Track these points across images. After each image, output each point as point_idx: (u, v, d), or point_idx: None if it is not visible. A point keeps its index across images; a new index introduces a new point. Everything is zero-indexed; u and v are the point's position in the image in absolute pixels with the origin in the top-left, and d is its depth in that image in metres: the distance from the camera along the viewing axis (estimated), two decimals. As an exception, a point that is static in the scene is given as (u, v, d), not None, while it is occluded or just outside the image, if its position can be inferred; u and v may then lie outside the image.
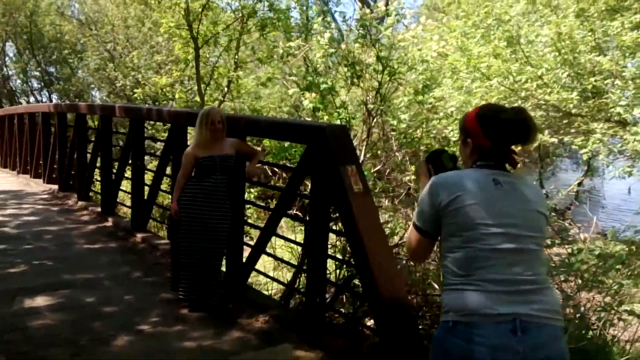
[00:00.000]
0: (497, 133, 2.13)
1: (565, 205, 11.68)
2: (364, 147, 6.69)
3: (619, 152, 9.08)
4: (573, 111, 9.22)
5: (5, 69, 22.71)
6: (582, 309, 4.54)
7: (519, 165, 2.27)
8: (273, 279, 5.03)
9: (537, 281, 2.04)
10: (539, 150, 11.80)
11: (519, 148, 2.41)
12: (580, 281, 4.60)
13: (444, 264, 2.13)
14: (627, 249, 4.64)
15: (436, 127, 8.83)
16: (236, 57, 10.09)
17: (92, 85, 19.95)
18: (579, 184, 12.59)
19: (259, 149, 6.39)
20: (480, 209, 2.04)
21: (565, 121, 9.76)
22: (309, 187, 4.46)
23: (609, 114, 8.59)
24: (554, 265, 4.71)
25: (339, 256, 4.89)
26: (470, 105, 9.33)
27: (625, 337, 4.68)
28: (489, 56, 9.26)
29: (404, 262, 5.52)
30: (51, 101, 20.21)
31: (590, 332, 4.30)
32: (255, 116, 7.70)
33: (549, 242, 4.82)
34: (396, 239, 5.85)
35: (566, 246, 4.87)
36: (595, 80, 8.70)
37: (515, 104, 9.11)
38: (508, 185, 2.11)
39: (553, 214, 8.93)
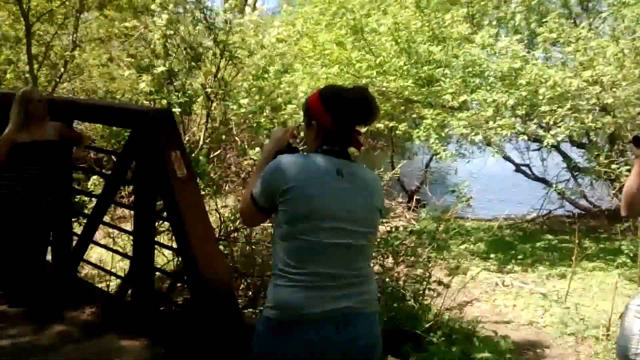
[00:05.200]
0: (340, 112, 2.13)
1: (415, 186, 12.53)
2: (202, 132, 6.70)
3: (449, 137, 9.83)
4: (411, 97, 9.82)
5: None
6: (400, 282, 4.97)
7: (363, 148, 2.34)
8: (104, 269, 4.91)
9: (360, 275, 2.14)
10: (391, 134, 12.43)
11: (364, 130, 2.45)
12: (398, 257, 5.02)
13: (275, 249, 2.15)
14: (435, 224, 5.13)
15: (288, 112, 9.03)
16: (74, 35, 9.53)
17: None
18: (426, 167, 13.47)
19: (87, 134, 6.16)
20: (318, 202, 2.05)
21: (404, 107, 10.37)
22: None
23: (441, 101, 9.26)
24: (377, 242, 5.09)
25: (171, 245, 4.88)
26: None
27: (438, 302, 5.21)
28: (332, 43, 9.60)
29: (244, 245, 5.63)
30: None
31: (404, 303, 4.72)
32: (76, 98, 7.37)
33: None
34: (237, 223, 5.92)
35: (386, 224, 5.28)
36: (429, 69, 9.36)
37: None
38: (349, 177, 2.12)
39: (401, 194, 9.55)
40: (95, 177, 6.49)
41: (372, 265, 2.32)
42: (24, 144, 4.20)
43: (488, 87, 8.73)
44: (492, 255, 8.43)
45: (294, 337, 2.03)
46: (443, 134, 8.71)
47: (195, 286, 3.77)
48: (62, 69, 9.14)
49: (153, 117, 4.06)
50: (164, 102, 6.25)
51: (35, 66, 9.11)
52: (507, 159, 11.03)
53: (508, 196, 12.25)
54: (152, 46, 6.90)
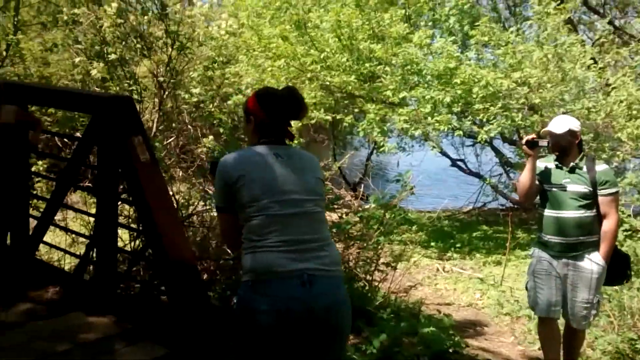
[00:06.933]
0: (273, 108, 2.50)
1: (357, 178, 12.95)
2: (155, 120, 6.79)
3: (390, 131, 10.27)
4: (354, 92, 10.19)
5: None
6: (350, 263, 5.30)
7: (295, 139, 2.69)
8: (64, 250, 4.98)
9: (320, 239, 2.42)
10: (332, 128, 12.75)
11: (298, 124, 2.83)
12: (349, 241, 5.36)
13: (242, 232, 2.43)
14: (382, 211, 5.50)
15: (232, 102, 9.19)
16: (16, 19, 9.31)
17: None
18: (367, 159, 13.91)
19: (40, 117, 6.14)
20: (266, 181, 2.37)
21: (347, 101, 10.73)
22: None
23: (382, 96, 9.67)
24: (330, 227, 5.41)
25: (133, 226, 5.00)
26: (263, 82, 9.84)
27: (385, 286, 5.58)
28: (277, 37, 9.82)
29: (200, 230, 5.80)
30: None
31: (356, 284, 5.06)
32: (37, 84, 7.29)
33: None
34: (191, 209, 6.07)
35: (337, 211, 5.61)
36: (371, 66, 9.76)
37: (304, 84, 9.85)
38: (287, 157, 2.46)
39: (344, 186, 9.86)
40: (43, 160, 6.46)
41: (328, 230, 2.58)
42: (-24, 127, 4.21)
43: (426, 85, 9.21)
44: (432, 244, 8.93)
45: (265, 293, 2.30)
46: (385, 128, 9.12)
47: (161, 265, 3.93)
48: (5, 53, 8.92)
49: (114, 103, 4.15)
50: (116, 89, 6.29)
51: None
52: (444, 154, 11.60)
53: (444, 189, 12.90)
54: (102, 34, 6.91)
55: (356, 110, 10.65)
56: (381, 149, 9.38)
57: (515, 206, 11.42)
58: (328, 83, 9.83)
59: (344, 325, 2.46)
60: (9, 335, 3.58)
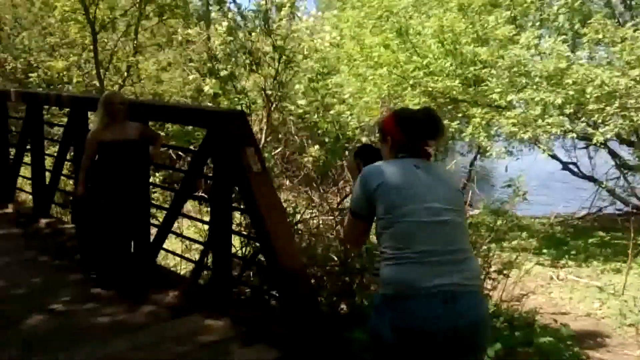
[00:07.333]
0: (412, 130, 2.47)
1: (462, 184, 12.70)
2: (264, 131, 7.05)
3: (497, 135, 10.00)
4: (458, 97, 10.03)
5: None
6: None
7: (432, 158, 2.69)
8: (181, 256, 5.29)
9: (462, 250, 2.31)
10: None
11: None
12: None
13: (380, 240, 2.38)
14: (494, 218, 5.35)
15: (336, 112, 9.36)
16: (135, 42, 10.05)
17: (-22, 68, 18.65)
18: (471, 165, 13.62)
19: (162, 133, 6.56)
20: (407, 189, 2.33)
21: (451, 107, 10.58)
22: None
23: (487, 100, 9.45)
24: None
25: (244, 233, 5.21)
26: (364, 92, 9.92)
27: (496, 294, 5.42)
28: (379, 46, 9.87)
29: (306, 237, 5.94)
30: None
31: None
32: (157, 101, 7.81)
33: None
34: (298, 217, 6.22)
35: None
36: (475, 69, 9.57)
37: (406, 91, 9.83)
38: (426, 169, 2.42)
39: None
40: (159, 173, 6.88)
41: (469, 241, 2.50)
42: (107, 143, 4.57)
43: (534, 87, 8.88)
44: (544, 251, 8.54)
45: (406, 310, 2.21)
46: (492, 132, 8.90)
47: (273, 271, 4.08)
48: (126, 73, 9.65)
49: (229, 117, 4.39)
50: (227, 103, 6.60)
51: (101, 71, 9.66)
52: (554, 157, 11.10)
53: (554, 194, 12.30)
54: (213, 52, 7.28)
55: (459, 115, 10.47)
56: (488, 154, 9.14)
57: (635, 211, 10.69)
58: (431, 89, 9.74)
59: (484, 343, 2.40)
60: (137, 336, 3.85)
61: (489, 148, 9.37)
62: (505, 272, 5.44)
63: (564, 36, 9.67)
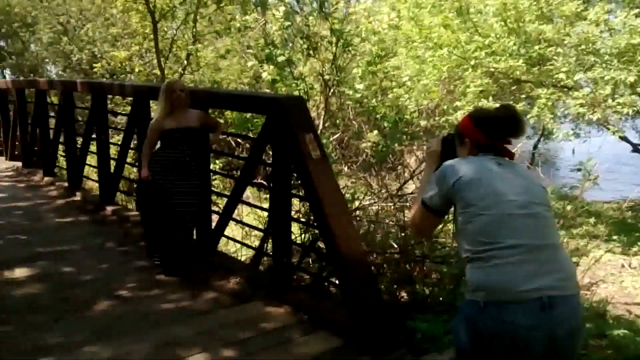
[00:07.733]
0: (493, 130, 2.35)
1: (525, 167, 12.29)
2: (322, 117, 7.00)
3: (564, 116, 9.61)
4: (522, 78, 9.68)
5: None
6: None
7: (516, 157, 2.57)
8: (242, 243, 5.33)
9: (552, 245, 2.16)
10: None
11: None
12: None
13: (461, 238, 2.23)
14: (563, 203, 5.13)
15: (394, 96, 9.21)
16: (194, 30, 10.18)
17: (47, 60, 19.47)
18: (535, 147, 13.19)
19: (222, 120, 6.60)
20: (489, 182, 2.21)
21: (514, 87, 10.23)
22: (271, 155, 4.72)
23: (553, 80, 9.07)
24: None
25: (303, 220, 5.20)
26: (423, 74, 9.70)
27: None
28: (439, 26, 9.62)
29: (365, 224, 5.88)
30: (4, 77, 19.68)
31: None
32: (216, 89, 7.89)
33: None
34: (356, 203, 6.17)
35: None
36: (540, 48, 9.18)
37: (466, 73, 9.55)
38: (509, 166, 2.31)
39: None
40: (219, 160, 6.95)
41: (559, 237, 2.32)
42: (170, 130, 4.62)
43: (604, 65, 8.45)
44: (615, 238, 8.16)
45: (501, 319, 2.04)
46: (558, 113, 8.55)
47: (333, 258, 4.04)
48: (185, 62, 9.79)
49: (287, 104, 4.34)
50: (285, 89, 6.58)
51: (162, 59, 9.86)
52: (624, 139, 10.57)
53: (623, 178, 11.74)
54: (270, 37, 7.27)
55: (522, 96, 10.11)
56: (554, 136, 8.78)
57: None
58: (493, 69, 9.43)
59: (578, 350, 2.23)
60: (200, 322, 3.91)
61: (555, 130, 9.00)
62: (574, 260, 5.21)
63: (637, 9, 9.13)
